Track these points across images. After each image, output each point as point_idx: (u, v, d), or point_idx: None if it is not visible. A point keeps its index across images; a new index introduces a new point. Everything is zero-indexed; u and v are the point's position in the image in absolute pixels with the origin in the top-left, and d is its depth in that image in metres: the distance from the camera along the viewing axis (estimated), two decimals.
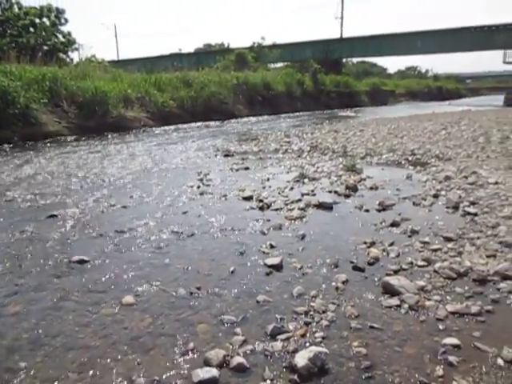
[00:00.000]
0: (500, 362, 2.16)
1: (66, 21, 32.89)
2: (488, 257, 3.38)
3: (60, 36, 32.84)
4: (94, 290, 3.00)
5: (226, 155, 9.01)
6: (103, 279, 3.16)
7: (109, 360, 2.23)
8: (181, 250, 3.73)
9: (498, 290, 2.88)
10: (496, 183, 5.57)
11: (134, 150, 10.31)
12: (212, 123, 18.29)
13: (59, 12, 32.41)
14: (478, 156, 7.65)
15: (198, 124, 17.80)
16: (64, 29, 33.09)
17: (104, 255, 3.63)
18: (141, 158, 8.89)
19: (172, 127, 16.50)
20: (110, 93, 15.46)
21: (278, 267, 3.30)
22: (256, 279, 3.12)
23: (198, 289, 2.96)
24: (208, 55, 43.47)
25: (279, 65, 41.20)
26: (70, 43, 33.07)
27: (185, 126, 17.14)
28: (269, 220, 4.47)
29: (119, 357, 2.25)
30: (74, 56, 32.95)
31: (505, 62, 35.76)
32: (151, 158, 8.99)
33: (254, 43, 35.88)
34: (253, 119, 20.46)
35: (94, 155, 9.43)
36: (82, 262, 3.48)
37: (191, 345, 2.32)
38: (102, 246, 3.83)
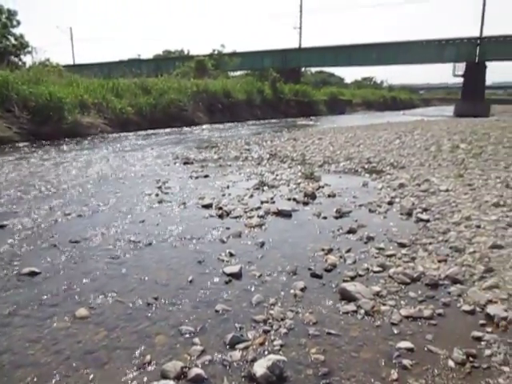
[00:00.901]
0: (451, 363, 2.25)
1: (19, 23, 31.78)
2: (439, 261, 3.51)
3: (12, 38, 31.63)
4: (45, 303, 2.88)
5: (186, 163, 8.93)
6: (55, 291, 3.05)
7: (61, 376, 2.14)
8: (138, 260, 3.65)
9: (449, 293, 3.00)
10: (447, 190, 5.80)
11: (91, 157, 10.04)
12: (171, 130, 18.11)
13: (11, 14, 31.25)
14: (430, 164, 7.96)
15: (157, 131, 17.57)
16: (16, 31, 31.95)
17: (57, 266, 3.50)
18: (97, 166, 8.66)
19: (130, 134, 16.21)
20: (66, 98, 15.01)
21: (237, 275, 3.29)
22: (215, 288, 3.10)
23: (156, 299, 2.91)
24: (167, 62, 43.10)
25: (239, 73, 41.45)
26: (22, 46, 31.91)
27: (143, 132, 16.88)
28: (228, 228, 4.46)
29: (72, 373, 2.17)
30: (27, 59, 31.73)
31: (454, 75, 37.51)
32: (108, 165, 8.78)
33: (213, 51, 35.91)
34: (213, 127, 20.41)
35: (48, 162, 9.10)
36: (32, 274, 3.34)
37: (148, 357, 2.27)
38: (55, 257, 3.69)
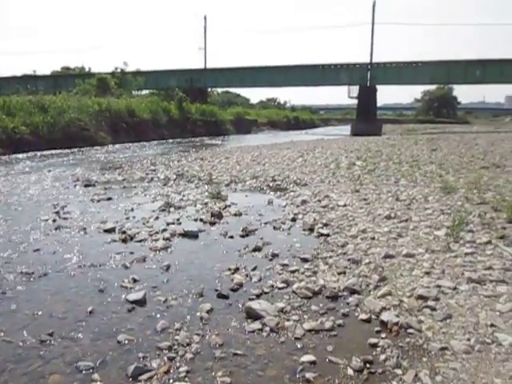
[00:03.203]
0: (350, 372, 2.36)
1: None
2: (339, 274, 3.70)
3: None
4: None
5: (87, 185, 8.49)
6: None
7: None
8: (31, 293, 3.37)
9: (348, 304, 3.17)
10: (345, 205, 6.17)
11: None
12: (72, 151, 17.15)
13: None
14: (330, 181, 8.42)
15: (57, 152, 16.51)
16: None
17: None
18: None
19: (25, 155, 15.03)
20: None
21: (141, 302, 3.18)
22: (117, 317, 2.96)
23: (51, 335, 2.70)
24: (67, 79, 41.02)
25: (144, 92, 40.71)
26: None
27: (41, 154, 15.76)
28: (132, 252, 4.30)
29: None
30: None
31: (349, 97, 40.41)
32: None
33: (116, 68, 34.89)
34: (117, 147, 19.71)
35: None
36: None
37: None
38: None
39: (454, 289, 3.26)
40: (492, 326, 2.71)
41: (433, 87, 78.29)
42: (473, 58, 36.42)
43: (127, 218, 5.72)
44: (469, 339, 2.58)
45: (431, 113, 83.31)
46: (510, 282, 3.33)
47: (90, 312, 3.02)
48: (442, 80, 43.02)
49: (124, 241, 4.72)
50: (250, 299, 3.20)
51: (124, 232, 4.96)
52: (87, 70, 47.08)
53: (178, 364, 2.41)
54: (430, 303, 3.04)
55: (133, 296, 3.24)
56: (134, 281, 3.58)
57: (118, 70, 34.64)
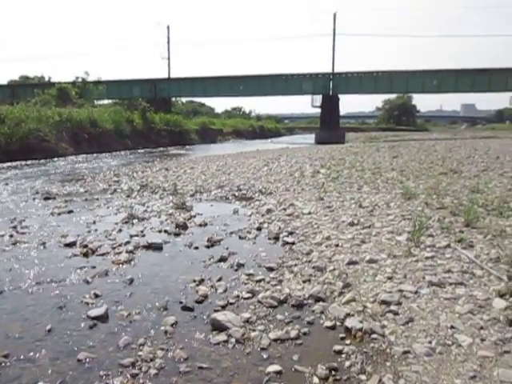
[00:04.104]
0: (315, 380, 2.37)
1: None
2: (304, 282, 3.72)
3: None
4: None
5: (47, 198, 8.22)
6: None
7: None
8: None
9: (313, 311, 3.18)
10: (309, 213, 6.23)
11: None
12: (32, 163, 16.60)
13: None
14: (295, 189, 8.49)
15: (14, 164, 15.95)
16: None
17: None
18: None
19: None
20: None
21: (102, 318, 3.09)
22: (78, 335, 2.86)
23: (6, 357, 2.57)
24: (25, 88, 39.92)
25: (107, 102, 40.03)
26: None
27: None
28: (94, 267, 4.19)
29: None
30: None
31: (313, 106, 41.09)
32: None
33: (77, 78, 34.10)
34: (79, 158, 19.24)
35: None
36: None
37: None
38: None
39: (416, 293, 3.34)
40: (452, 327, 2.79)
41: (393, 96, 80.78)
42: (429, 69, 37.89)
43: (89, 231, 5.57)
44: (430, 342, 2.64)
45: (392, 121, 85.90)
46: (468, 284, 3.44)
47: (49, 330, 2.91)
48: (402, 89, 44.42)
49: (85, 255, 4.59)
50: (216, 311, 3.17)
51: (85, 246, 4.82)
52: (47, 79, 45.86)
53: (141, 381, 2.35)
54: (393, 308, 3.10)
55: (94, 312, 3.14)
56: (96, 296, 3.48)
57: (79, 80, 33.86)
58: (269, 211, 6.51)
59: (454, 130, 78.85)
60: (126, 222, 6.03)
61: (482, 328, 2.77)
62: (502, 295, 3.18)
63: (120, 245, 4.90)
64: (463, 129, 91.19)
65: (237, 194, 8.40)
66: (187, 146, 29.86)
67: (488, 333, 2.71)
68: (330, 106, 38.69)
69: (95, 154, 21.09)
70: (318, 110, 41.29)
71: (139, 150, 24.91)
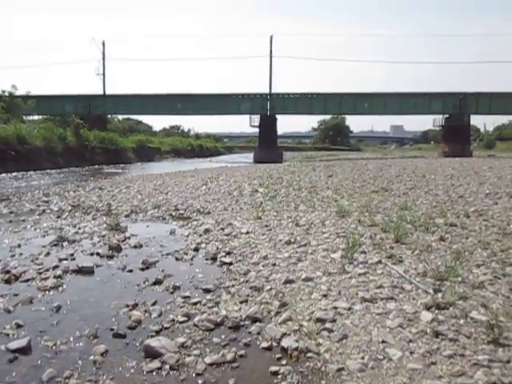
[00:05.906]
0: None
1: None
2: (241, 302, 3.69)
3: None
4: None
5: None
6: None
7: None
8: None
9: (250, 333, 3.15)
10: (247, 233, 6.24)
11: None
12: None
13: None
14: (233, 208, 8.49)
15: None
16: None
17: None
18: None
19: None
20: None
21: (25, 350, 2.86)
22: None
23: None
24: None
25: (37, 117, 38.13)
26: None
27: None
28: (16, 294, 3.89)
29: None
30: None
31: (251, 126, 41.77)
32: None
33: (3, 92, 32.18)
34: (4, 176, 18.10)
35: None
36: None
37: None
38: None
39: (349, 309, 3.41)
40: (383, 342, 2.87)
41: (328, 117, 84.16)
42: (361, 92, 39.98)
43: (13, 256, 5.19)
44: (363, 357, 2.70)
45: (327, 141, 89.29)
46: (398, 299, 3.58)
47: None
48: (335, 110, 46.39)
49: (7, 281, 4.26)
50: (150, 336, 3.05)
51: (8, 271, 4.48)
52: None
53: None
54: (328, 325, 3.14)
55: (15, 344, 2.90)
56: (18, 326, 3.23)
57: (6, 94, 32.01)
58: (207, 231, 6.44)
59: (385, 150, 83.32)
60: (55, 245, 5.70)
61: (410, 341, 2.87)
62: (428, 308, 3.34)
63: (47, 269, 4.61)
64: (393, 149, 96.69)
65: (174, 213, 8.25)
66: (123, 165, 29.09)
67: (416, 345, 2.81)
68: (267, 125, 39.54)
69: (23, 173, 19.95)
70: (257, 130, 42.00)
71: (72, 169, 23.90)
